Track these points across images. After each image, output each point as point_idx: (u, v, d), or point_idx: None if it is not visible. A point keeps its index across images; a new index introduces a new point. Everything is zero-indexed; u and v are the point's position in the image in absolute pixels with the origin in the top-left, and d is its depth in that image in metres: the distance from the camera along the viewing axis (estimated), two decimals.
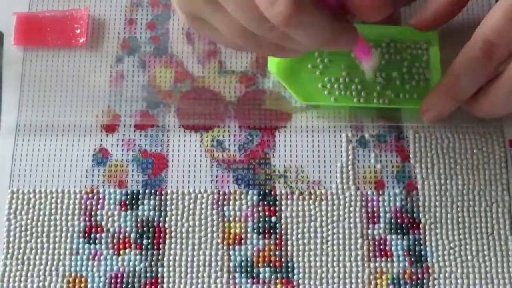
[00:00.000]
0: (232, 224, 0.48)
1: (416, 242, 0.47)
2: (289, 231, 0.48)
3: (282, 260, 0.47)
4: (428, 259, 0.47)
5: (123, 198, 0.48)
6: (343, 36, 0.41)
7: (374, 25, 0.49)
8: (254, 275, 0.47)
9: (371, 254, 0.47)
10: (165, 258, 0.47)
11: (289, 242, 0.47)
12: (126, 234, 0.47)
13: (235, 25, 0.41)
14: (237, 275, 0.47)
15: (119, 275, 0.47)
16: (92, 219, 0.48)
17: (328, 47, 0.42)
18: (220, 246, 0.47)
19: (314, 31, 0.39)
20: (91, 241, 0.47)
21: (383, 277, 0.47)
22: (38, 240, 0.47)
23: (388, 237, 0.47)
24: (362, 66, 0.48)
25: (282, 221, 0.48)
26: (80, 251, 0.47)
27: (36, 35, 0.52)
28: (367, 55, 0.46)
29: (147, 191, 0.48)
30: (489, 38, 0.43)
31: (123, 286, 0.46)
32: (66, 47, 0.52)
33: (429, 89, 0.49)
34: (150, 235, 0.47)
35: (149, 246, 0.47)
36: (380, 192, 0.49)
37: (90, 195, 0.48)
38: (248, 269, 0.47)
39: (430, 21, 0.50)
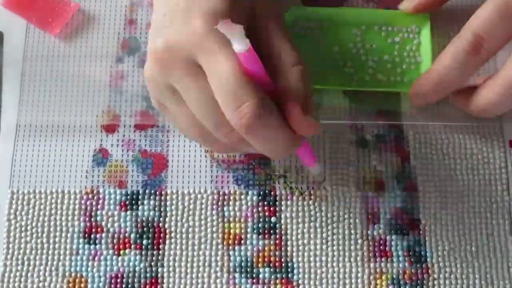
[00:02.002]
0: (232, 225, 0.48)
1: (416, 243, 0.47)
2: (289, 232, 0.48)
3: (282, 260, 0.47)
4: (428, 259, 0.47)
5: (123, 198, 0.48)
6: (294, 147, 0.42)
7: (365, 9, 0.51)
8: (254, 275, 0.47)
9: (371, 255, 0.47)
10: (165, 258, 0.47)
11: (289, 243, 0.47)
12: (126, 234, 0.48)
13: (191, 119, 0.42)
14: (237, 275, 0.47)
15: (119, 275, 0.47)
16: (92, 219, 0.48)
17: (277, 156, 0.43)
18: (220, 247, 0.47)
19: (271, 141, 0.40)
20: (91, 242, 0.47)
21: (383, 277, 0.47)
22: (38, 241, 0.47)
23: (388, 237, 0.48)
24: (310, 170, 0.48)
25: (282, 221, 0.48)
26: (80, 251, 0.47)
27: (24, 6, 0.53)
28: (312, 164, 0.47)
29: (147, 191, 0.48)
30: (478, 32, 0.44)
31: (123, 286, 0.46)
32: (44, 31, 0.53)
33: (419, 74, 0.49)
34: (150, 236, 0.47)
35: (149, 246, 0.47)
36: (380, 193, 0.49)
37: (90, 196, 0.48)
38: (248, 269, 0.47)
39: (425, 4, 0.50)
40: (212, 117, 0.40)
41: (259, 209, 0.48)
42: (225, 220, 0.48)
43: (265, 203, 0.48)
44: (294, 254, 0.47)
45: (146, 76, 0.43)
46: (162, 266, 0.47)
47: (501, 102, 0.46)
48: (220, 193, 0.48)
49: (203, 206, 0.48)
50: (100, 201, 0.48)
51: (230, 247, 0.47)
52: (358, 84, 0.50)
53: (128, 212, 0.48)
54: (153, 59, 0.41)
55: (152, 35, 0.43)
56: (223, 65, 0.38)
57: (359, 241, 0.47)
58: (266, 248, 0.47)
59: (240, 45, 0.36)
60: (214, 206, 0.48)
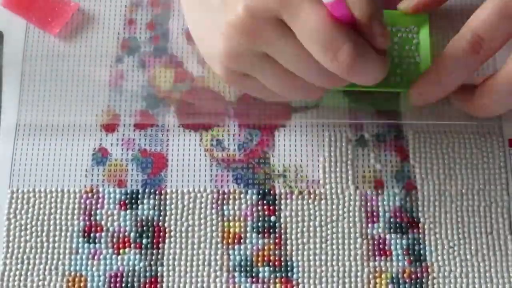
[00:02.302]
0: (231, 224, 0.48)
1: (415, 242, 0.47)
2: (288, 231, 0.48)
3: (282, 259, 0.47)
4: (427, 258, 0.47)
5: (123, 197, 0.48)
6: (387, 67, 0.43)
7: None
8: (253, 274, 0.47)
9: (370, 254, 0.47)
10: (165, 258, 0.47)
11: (288, 242, 0.47)
12: (126, 233, 0.48)
13: (287, 78, 0.43)
14: (236, 274, 0.47)
15: (119, 275, 0.47)
16: (91, 218, 0.48)
17: (373, 82, 0.44)
18: (219, 246, 0.47)
19: (373, 73, 0.42)
20: (90, 241, 0.47)
21: (382, 276, 0.47)
22: (38, 240, 0.47)
23: (388, 236, 0.48)
24: None
25: (282, 220, 0.48)
26: (80, 251, 0.47)
27: (24, 5, 0.53)
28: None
29: (146, 190, 0.49)
30: (478, 32, 0.44)
31: (123, 285, 0.46)
32: (43, 31, 0.53)
33: (419, 73, 0.49)
34: (149, 235, 0.48)
35: (148, 246, 0.47)
36: (379, 192, 0.49)
37: (89, 195, 0.49)
38: (248, 269, 0.47)
39: (424, 4, 0.50)
40: (309, 68, 0.41)
41: (259, 208, 0.48)
42: (225, 219, 0.48)
43: (265, 202, 0.48)
44: (294, 253, 0.47)
45: (226, 51, 0.42)
46: (162, 265, 0.47)
47: (500, 102, 0.46)
48: (220, 192, 0.49)
49: (203, 205, 0.48)
50: (100, 200, 0.48)
51: (230, 246, 0.47)
52: (357, 85, 0.50)
53: (128, 211, 0.48)
54: (236, 30, 0.41)
55: (211, 12, 0.43)
56: (311, 17, 0.39)
57: (359, 240, 0.47)
58: (265, 247, 0.47)
59: None
60: (214, 205, 0.48)
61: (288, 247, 0.47)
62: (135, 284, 0.46)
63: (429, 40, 0.50)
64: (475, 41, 0.44)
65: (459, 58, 0.45)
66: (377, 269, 0.47)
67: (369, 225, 0.48)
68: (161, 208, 0.48)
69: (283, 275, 0.47)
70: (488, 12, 0.44)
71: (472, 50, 0.44)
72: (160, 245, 0.47)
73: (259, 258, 0.47)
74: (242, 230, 0.48)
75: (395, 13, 0.51)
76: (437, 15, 0.52)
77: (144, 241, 0.47)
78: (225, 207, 0.48)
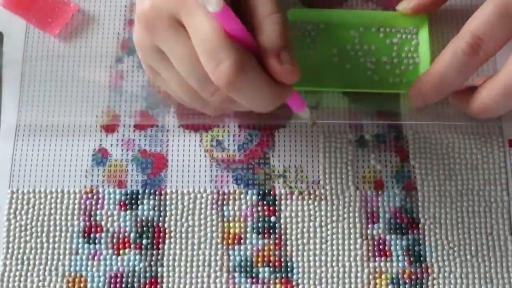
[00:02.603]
0: (231, 224, 0.48)
1: (415, 242, 0.47)
2: (288, 231, 0.48)
3: (282, 260, 0.47)
4: (427, 259, 0.47)
5: (123, 198, 0.48)
6: (281, 98, 0.42)
7: (363, 10, 0.52)
8: (253, 274, 0.47)
9: (370, 254, 0.47)
10: (165, 258, 0.47)
11: (288, 242, 0.47)
12: (126, 234, 0.48)
13: (180, 81, 0.43)
14: (236, 274, 0.47)
15: (119, 275, 0.47)
16: (91, 219, 0.48)
17: (265, 109, 0.43)
18: (219, 246, 0.47)
19: (256, 95, 0.41)
20: (90, 241, 0.47)
21: (382, 276, 0.47)
22: (38, 240, 0.48)
23: (388, 237, 0.48)
24: (299, 115, 0.48)
25: (282, 221, 0.48)
26: (80, 251, 0.47)
27: (24, 6, 0.53)
28: (301, 109, 0.47)
29: (146, 191, 0.49)
30: (477, 33, 0.44)
31: (123, 285, 0.46)
32: (44, 32, 0.53)
33: (418, 74, 0.49)
34: (149, 235, 0.48)
35: (148, 246, 0.47)
36: (379, 192, 0.49)
37: (89, 195, 0.49)
38: (248, 269, 0.47)
39: (423, 5, 0.50)
40: (196, 75, 0.41)
41: (259, 208, 0.48)
42: (225, 219, 0.48)
43: (265, 202, 0.48)
44: (294, 253, 0.47)
45: (135, 41, 0.44)
46: (162, 265, 0.47)
47: (500, 104, 0.46)
48: (220, 192, 0.49)
49: (203, 205, 0.48)
50: (100, 201, 0.48)
51: (230, 247, 0.47)
52: (356, 86, 0.50)
53: (128, 212, 0.48)
54: (140, 21, 0.42)
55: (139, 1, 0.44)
56: (204, 24, 0.39)
57: (359, 240, 0.47)
58: (265, 248, 0.47)
59: (215, 5, 0.36)
60: (214, 206, 0.48)
61: (288, 248, 0.47)
62: (135, 285, 0.46)
63: (428, 41, 0.50)
64: (475, 42, 0.44)
65: (459, 59, 0.45)
66: (377, 269, 0.47)
67: (369, 225, 0.48)
68: (161, 209, 0.48)
69: (283, 275, 0.47)
70: (487, 13, 0.44)
71: (472, 52, 0.44)
72: (160, 246, 0.47)
73: (259, 259, 0.47)
74: (242, 230, 0.48)
75: (394, 14, 0.51)
76: (436, 16, 0.52)
77: (144, 241, 0.47)
78: (225, 208, 0.48)
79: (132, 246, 0.47)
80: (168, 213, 0.48)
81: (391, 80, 0.50)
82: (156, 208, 0.48)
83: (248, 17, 0.41)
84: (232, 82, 0.39)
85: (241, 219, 0.48)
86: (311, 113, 0.48)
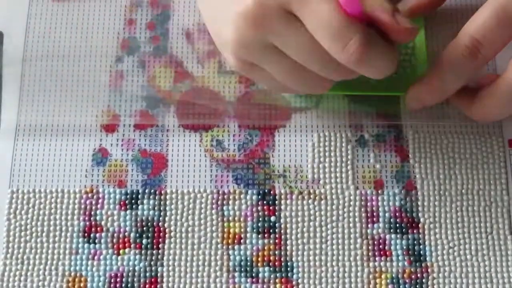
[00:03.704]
0: (231, 224, 0.48)
1: (415, 242, 0.47)
2: (288, 231, 0.48)
3: (282, 259, 0.47)
4: (427, 258, 0.47)
5: (123, 197, 0.48)
6: (397, 61, 0.43)
7: None
8: (253, 274, 0.47)
9: (370, 254, 0.47)
10: (165, 258, 0.47)
11: (288, 242, 0.47)
12: (126, 233, 0.48)
13: (295, 70, 0.43)
14: (236, 274, 0.47)
15: (119, 275, 0.47)
16: (91, 218, 0.48)
17: (387, 74, 0.44)
18: (219, 246, 0.47)
19: (382, 66, 0.42)
20: (90, 241, 0.47)
21: (382, 276, 0.47)
22: (38, 240, 0.47)
23: (388, 236, 0.48)
24: None
25: (282, 220, 0.48)
26: (80, 251, 0.47)
27: None
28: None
29: (146, 190, 0.49)
30: (475, 37, 0.44)
31: (123, 285, 0.46)
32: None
33: (415, 77, 0.49)
34: (149, 235, 0.48)
35: (148, 246, 0.47)
36: (379, 192, 0.49)
37: (89, 195, 0.49)
38: (248, 269, 0.47)
39: (419, 7, 0.50)
40: (316, 59, 0.41)
41: (259, 208, 0.48)
42: (225, 219, 0.48)
43: (265, 202, 0.48)
44: (294, 253, 0.47)
45: (236, 41, 0.43)
46: (162, 265, 0.47)
47: (501, 108, 0.46)
48: (220, 192, 0.49)
49: (203, 205, 0.48)
50: (100, 201, 0.48)
51: (230, 247, 0.47)
52: (353, 89, 0.49)
53: (128, 212, 0.48)
54: (246, 19, 0.41)
55: (224, 1, 0.43)
56: (321, 7, 0.39)
57: (359, 240, 0.47)
58: (265, 247, 0.47)
59: None
60: (214, 206, 0.48)
61: (288, 247, 0.47)
62: (135, 285, 0.46)
63: (424, 43, 0.50)
64: (473, 46, 0.44)
65: (457, 63, 0.44)
66: (377, 269, 0.47)
67: (369, 225, 0.48)
68: (161, 209, 0.48)
69: (283, 275, 0.47)
70: (486, 16, 0.44)
71: (470, 55, 0.44)
72: (160, 246, 0.47)
73: (259, 258, 0.47)
74: (242, 230, 0.48)
75: None
76: (432, 18, 0.52)
77: (144, 241, 0.47)
78: (225, 208, 0.48)
79: (132, 246, 0.47)
80: (168, 213, 0.48)
81: (387, 83, 0.49)
82: (156, 208, 0.48)
83: None
84: (362, 59, 0.40)
85: (241, 219, 0.48)
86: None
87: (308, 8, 0.40)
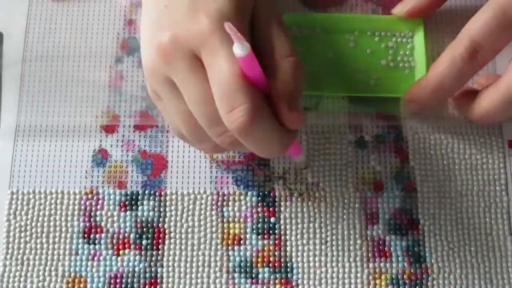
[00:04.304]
0: (231, 225, 0.48)
1: (415, 243, 0.47)
2: (288, 232, 0.48)
3: (281, 260, 0.47)
4: (427, 259, 0.47)
5: (123, 198, 0.48)
6: (287, 144, 0.42)
7: (358, 14, 0.52)
8: (253, 275, 0.47)
9: (370, 255, 0.47)
10: (165, 259, 0.47)
11: (288, 243, 0.47)
12: (126, 234, 0.48)
13: (185, 116, 0.42)
14: (236, 275, 0.47)
15: (119, 276, 0.47)
16: (91, 219, 0.48)
17: (271, 155, 0.43)
18: (219, 247, 0.47)
19: (266, 141, 0.40)
20: (90, 242, 0.47)
21: (382, 277, 0.47)
22: (38, 241, 0.48)
23: (387, 237, 0.48)
24: (294, 159, 0.49)
25: (281, 222, 0.48)
26: (80, 252, 0.47)
27: None
28: (297, 155, 0.47)
29: (146, 191, 0.49)
30: (475, 39, 0.44)
31: (123, 286, 0.47)
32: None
33: (414, 78, 0.49)
34: (149, 236, 0.48)
35: (148, 247, 0.47)
36: (379, 193, 0.49)
37: (89, 196, 0.49)
38: (247, 270, 0.47)
39: (419, 8, 0.50)
40: (207, 114, 0.41)
41: (259, 209, 0.48)
42: (225, 220, 0.48)
43: (265, 203, 0.48)
44: (294, 254, 0.47)
45: (146, 66, 0.43)
46: (162, 266, 0.47)
47: (501, 111, 0.46)
48: (220, 193, 0.49)
49: (203, 206, 0.48)
50: (100, 202, 0.48)
51: (230, 248, 0.47)
52: (351, 90, 0.50)
53: (128, 213, 0.48)
54: (156, 51, 0.41)
55: (153, 27, 0.43)
56: (224, 65, 0.39)
57: (358, 241, 0.47)
58: (265, 249, 0.47)
59: (241, 49, 0.37)
60: (214, 207, 0.48)
61: (288, 249, 0.47)
62: (135, 285, 0.47)
63: (424, 45, 0.50)
64: (473, 48, 0.44)
65: (456, 64, 0.44)
66: (376, 270, 0.47)
67: (369, 226, 0.48)
68: (161, 210, 0.48)
69: (282, 276, 0.47)
70: (485, 18, 0.44)
71: (470, 57, 0.44)
72: (160, 246, 0.47)
73: (259, 259, 0.47)
74: (242, 231, 0.48)
75: (389, 18, 0.51)
76: (431, 20, 0.52)
77: (144, 242, 0.47)
78: (225, 209, 0.48)
79: (132, 246, 0.47)
80: (168, 214, 0.48)
81: (386, 84, 0.49)
82: (156, 209, 0.48)
83: (263, 57, 0.41)
84: (245, 129, 0.39)
85: (241, 220, 0.48)
86: (305, 158, 0.49)
87: (214, 61, 0.39)
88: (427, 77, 0.46)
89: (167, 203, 0.48)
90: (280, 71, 0.41)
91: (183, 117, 0.42)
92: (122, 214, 0.48)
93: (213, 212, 0.48)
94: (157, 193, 0.49)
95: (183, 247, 0.47)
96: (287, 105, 0.40)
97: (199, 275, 0.47)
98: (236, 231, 0.48)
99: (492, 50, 0.44)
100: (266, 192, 0.49)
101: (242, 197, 0.48)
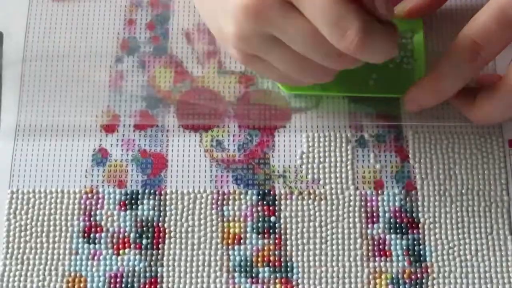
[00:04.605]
0: (231, 224, 0.48)
1: (415, 242, 0.47)
2: (288, 231, 0.48)
3: (282, 260, 0.47)
4: (427, 258, 0.47)
5: (123, 198, 0.48)
6: (396, 41, 0.42)
7: None
8: (253, 275, 0.47)
9: (370, 254, 0.47)
10: (165, 258, 0.47)
11: (288, 242, 0.47)
12: (126, 234, 0.48)
13: (297, 60, 0.42)
14: (236, 275, 0.47)
15: (119, 275, 0.47)
16: (91, 219, 0.48)
17: (384, 58, 0.43)
18: (219, 246, 0.47)
19: (382, 51, 0.41)
20: (90, 241, 0.47)
21: (382, 276, 0.47)
22: (38, 240, 0.47)
23: (387, 236, 0.48)
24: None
25: (282, 221, 0.48)
26: (80, 251, 0.47)
27: None
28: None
29: (146, 191, 0.49)
30: (476, 40, 0.44)
31: (123, 286, 0.46)
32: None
33: (413, 78, 0.49)
34: (149, 235, 0.48)
35: (148, 246, 0.47)
36: (379, 192, 0.49)
37: (89, 195, 0.49)
38: (248, 269, 0.47)
39: (419, 8, 0.50)
40: (317, 48, 0.41)
41: (259, 208, 0.48)
42: (225, 219, 0.48)
43: (265, 202, 0.48)
44: (294, 253, 0.47)
45: (236, 34, 0.42)
46: (162, 265, 0.47)
47: (501, 111, 0.46)
48: (220, 192, 0.49)
49: (203, 205, 0.48)
50: (100, 201, 0.48)
51: (230, 247, 0.47)
52: (351, 90, 0.49)
53: (128, 212, 0.48)
54: (245, 12, 0.41)
55: None
56: None
57: (358, 240, 0.47)
58: (265, 248, 0.47)
59: None
60: (214, 206, 0.48)
61: (288, 248, 0.47)
62: (135, 285, 0.46)
63: (423, 45, 0.50)
64: (474, 49, 0.44)
65: (457, 65, 0.44)
66: (377, 269, 0.47)
67: (369, 225, 0.48)
68: (161, 209, 0.48)
69: (283, 275, 0.47)
70: (486, 18, 0.43)
71: (470, 58, 0.44)
72: (160, 246, 0.47)
73: (259, 259, 0.47)
74: (242, 230, 0.48)
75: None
76: (431, 20, 0.52)
77: (144, 241, 0.47)
78: (225, 208, 0.48)
79: (132, 246, 0.47)
80: (168, 213, 0.48)
81: (386, 85, 0.49)
82: (156, 208, 0.48)
83: None
84: (362, 47, 0.39)
85: (241, 219, 0.48)
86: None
87: None
88: (427, 78, 0.46)
89: (167, 202, 0.48)
90: None
91: (293, 63, 0.43)
92: (122, 213, 0.48)
93: (213, 211, 0.48)
94: (157, 192, 0.48)
95: (183, 246, 0.47)
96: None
97: (199, 274, 0.47)
98: (236, 230, 0.48)
99: (493, 51, 0.44)
100: (266, 191, 0.48)
101: (242, 196, 0.48)
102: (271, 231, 0.48)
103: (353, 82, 0.49)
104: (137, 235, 0.47)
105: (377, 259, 0.47)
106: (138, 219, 0.48)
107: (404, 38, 0.51)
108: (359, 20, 0.39)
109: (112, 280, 0.47)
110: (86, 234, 0.48)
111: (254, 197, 0.48)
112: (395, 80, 0.49)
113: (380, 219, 0.48)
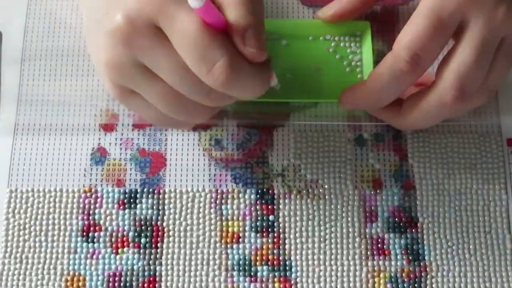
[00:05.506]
0: (230, 223, 0.48)
1: (413, 241, 0.47)
2: (287, 230, 0.48)
3: (280, 258, 0.47)
4: (426, 257, 0.47)
5: (121, 197, 0.48)
6: (268, 79, 0.41)
7: (307, 20, 0.52)
8: (252, 273, 0.47)
9: (368, 253, 0.47)
10: (163, 257, 0.47)
11: (287, 241, 0.47)
12: (124, 233, 0.48)
13: (168, 94, 0.41)
14: (235, 273, 0.47)
15: (117, 274, 0.47)
16: (90, 218, 0.48)
17: (257, 95, 0.42)
18: (218, 245, 0.47)
19: (250, 85, 0.40)
20: (89, 240, 0.47)
21: (381, 275, 0.47)
22: (37, 239, 0.48)
23: (386, 235, 0.48)
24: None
25: (280, 219, 0.48)
26: (78, 250, 0.47)
27: None
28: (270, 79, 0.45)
29: (145, 190, 0.49)
30: (414, 50, 0.42)
31: (121, 284, 0.46)
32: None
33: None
34: (148, 234, 0.48)
35: (147, 245, 0.47)
36: (378, 191, 0.49)
37: (88, 194, 0.49)
38: (246, 268, 0.47)
39: (342, 13, 0.49)
40: (189, 82, 0.39)
41: (257, 207, 0.48)
42: (223, 218, 0.48)
43: (263, 201, 0.48)
44: (292, 252, 0.47)
45: (108, 62, 0.41)
46: (160, 264, 0.47)
47: (428, 117, 0.45)
48: (218, 191, 0.49)
49: (201, 204, 0.48)
50: (98, 200, 0.48)
51: (228, 245, 0.47)
52: (299, 96, 0.48)
53: (126, 211, 0.48)
54: (114, 38, 0.39)
55: (98, 18, 0.41)
56: (187, 25, 0.37)
57: (357, 239, 0.47)
58: (264, 246, 0.47)
59: (197, 0, 0.35)
60: (212, 205, 0.48)
61: (287, 246, 0.47)
62: (134, 284, 0.46)
63: (371, 47, 0.49)
64: (413, 60, 0.42)
65: (396, 77, 0.43)
66: (375, 268, 0.47)
67: (368, 224, 0.48)
68: (160, 208, 0.48)
69: (281, 274, 0.47)
70: (421, 27, 0.42)
71: (412, 69, 0.43)
72: (159, 245, 0.47)
73: (258, 257, 0.47)
74: (241, 229, 0.48)
75: (339, 24, 0.50)
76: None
77: (142, 240, 0.47)
78: (223, 207, 0.48)
79: (130, 245, 0.47)
80: (166, 212, 0.48)
81: (335, 89, 0.48)
82: (154, 207, 0.48)
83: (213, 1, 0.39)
84: (230, 81, 0.38)
85: (240, 218, 0.48)
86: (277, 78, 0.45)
87: (174, 25, 0.38)
88: (365, 85, 0.45)
89: (166, 201, 0.48)
90: (230, 5, 0.39)
91: (164, 97, 0.41)
92: (120, 212, 0.48)
93: (212, 210, 0.48)
94: (155, 191, 0.49)
95: (181, 245, 0.47)
96: (242, 39, 0.38)
97: (197, 273, 0.47)
98: (235, 229, 0.48)
99: (432, 58, 0.43)
100: (265, 190, 0.49)
101: (240, 195, 0.48)
102: (269, 230, 0.48)
103: (307, 89, 0.48)
104: (136, 234, 0.48)
105: (375, 257, 0.47)
106: (136, 218, 0.48)
107: (353, 42, 0.50)
108: (226, 54, 0.38)
109: (111, 279, 0.47)
110: (85, 233, 0.48)
111: (252, 196, 0.48)
112: (346, 84, 0.47)
113: (379, 218, 0.48)
